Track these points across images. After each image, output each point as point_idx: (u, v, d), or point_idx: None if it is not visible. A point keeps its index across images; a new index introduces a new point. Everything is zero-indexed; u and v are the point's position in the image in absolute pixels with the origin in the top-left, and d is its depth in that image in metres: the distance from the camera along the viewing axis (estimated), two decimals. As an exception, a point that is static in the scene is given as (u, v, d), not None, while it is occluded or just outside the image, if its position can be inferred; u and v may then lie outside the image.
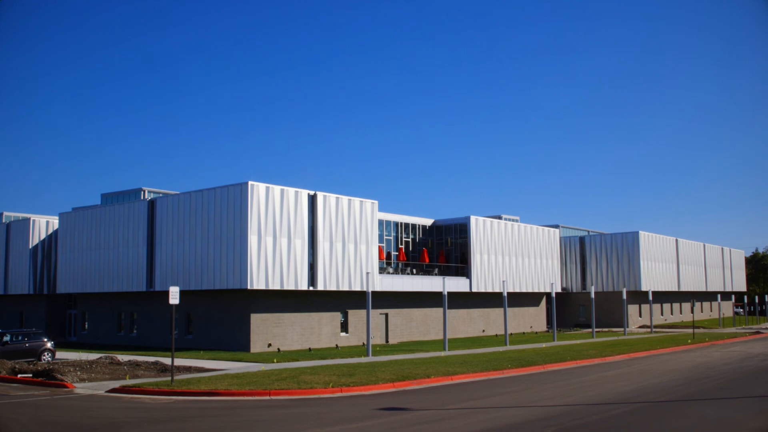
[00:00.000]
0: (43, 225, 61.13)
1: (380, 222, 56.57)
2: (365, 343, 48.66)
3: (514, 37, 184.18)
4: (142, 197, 55.22)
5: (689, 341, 52.17)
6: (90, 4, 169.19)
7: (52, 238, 60.99)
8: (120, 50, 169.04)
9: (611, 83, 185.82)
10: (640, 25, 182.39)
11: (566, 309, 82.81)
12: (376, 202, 50.79)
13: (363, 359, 37.13)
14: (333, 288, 47.17)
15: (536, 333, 68.19)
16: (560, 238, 78.87)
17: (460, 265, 60.82)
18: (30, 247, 60.19)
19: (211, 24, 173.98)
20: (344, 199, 48.48)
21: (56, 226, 60.37)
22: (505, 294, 51.91)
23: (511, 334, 62.96)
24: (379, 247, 53.55)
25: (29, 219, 60.96)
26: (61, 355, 40.25)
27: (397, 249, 58.78)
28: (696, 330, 67.15)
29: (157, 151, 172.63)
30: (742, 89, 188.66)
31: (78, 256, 55.05)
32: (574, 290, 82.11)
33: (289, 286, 44.29)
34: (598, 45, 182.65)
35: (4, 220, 66.60)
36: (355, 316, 51.34)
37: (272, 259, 43.32)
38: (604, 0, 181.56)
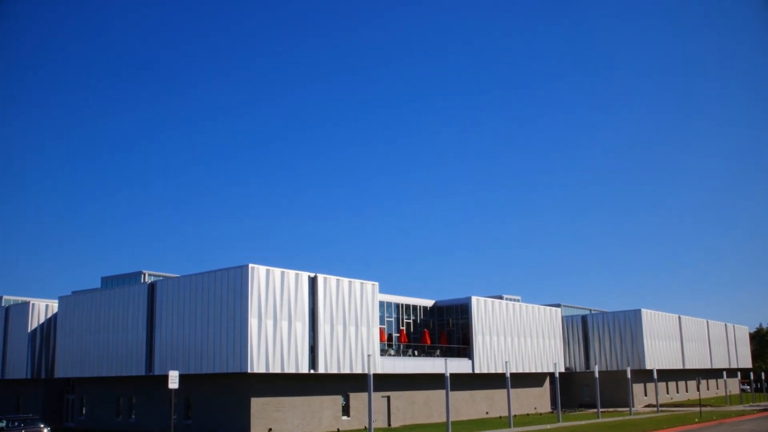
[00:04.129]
0: (42, 309, 60.95)
1: (381, 303, 56.40)
2: (367, 426, 47.89)
3: (507, 107, 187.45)
4: (142, 280, 55.28)
5: (696, 420, 51.40)
6: (69, 74, 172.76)
7: (51, 322, 60.73)
8: (113, 126, 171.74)
9: (611, 158, 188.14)
10: (642, 97, 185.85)
11: (570, 389, 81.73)
12: (376, 283, 50.86)
13: (365, 444, 36.51)
14: (334, 371, 46.76)
15: (540, 414, 67.14)
16: (562, 317, 78.48)
17: (462, 346, 60.38)
18: (29, 331, 59.88)
19: (206, 98, 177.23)
20: (345, 281, 48.55)
21: (56, 310, 60.18)
22: (508, 375, 51.41)
23: (515, 415, 61.97)
24: (380, 328, 53.32)
25: (28, 303, 60.84)
26: (57, 442, 39.61)
27: (399, 330, 58.47)
28: (703, 408, 66.13)
29: (157, 234, 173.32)
30: (745, 165, 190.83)
31: (77, 340, 54.72)
32: (578, 370, 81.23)
33: (290, 369, 43.91)
34: (593, 114, 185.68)
35: (3, 304, 66.40)
36: (357, 399, 50.70)
37: (272, 342, 43.09)
38: (601, 66, 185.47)
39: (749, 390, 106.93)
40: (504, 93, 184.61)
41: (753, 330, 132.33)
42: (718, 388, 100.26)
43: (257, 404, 43.96)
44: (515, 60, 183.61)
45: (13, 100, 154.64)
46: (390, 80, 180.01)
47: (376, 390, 49.60)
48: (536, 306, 69.25)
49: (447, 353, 59.08)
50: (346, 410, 50.11)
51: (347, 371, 47.61)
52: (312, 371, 45.43)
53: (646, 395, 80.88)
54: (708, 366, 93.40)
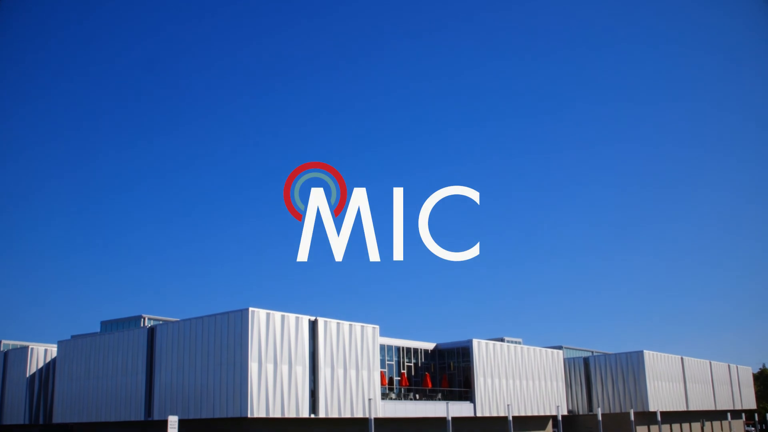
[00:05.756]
0: (41, 353, 60.58)
1: (382, 347, 56.08)
2: (368, 472, 47.33)
3: (506, 144, 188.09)
4: (141, 324, 55.10)
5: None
6: (69, 111, 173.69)
7: (50, 367, 60.31)
8: (111, 169, 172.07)
9: (613, 197, 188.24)
10: (644, 133, 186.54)
11: (573, 431, 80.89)
12: (377, 326, 50.69)
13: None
14: (335, 415, 46.36)
15: (544, 458, 66.37)
16: (564, 359, 77.97)
17: (464, 390, 59.92)
18: (27, 375, 59.44)
19: (205, 140, 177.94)
20: (345, 324, 48.40)
21: (55, 354, 59.81)
22: (510, 418, 51.02)
23: (518, 459, 61.25)
24: (381, 372, 52.97)
25: (27, 347, 60.51)
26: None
27: (399, 374, 58.11)
28: (708, 452, 65.45)
29: (156, 278, 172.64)
30: (748, 203, 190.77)
31: (76, 384, 54.31)
32: (580, 412, 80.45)
33: (290, 413, 43.56)
34: (594, 151, 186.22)
35: (2, 348, 66.05)
36: (358, 443, 50.17)
37: (273, 386, 42.81)
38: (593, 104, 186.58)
39: (754, 431, 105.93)
40: (501, 127, 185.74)
41: (756, 371, 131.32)
42: (722, 430, 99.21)
43: (257, 450, 43.51)
44: (519, 92, 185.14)
45: (10, 140, 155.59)
46: (389, 117, 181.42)
47: (377, 434, 49.18)
48: (538, 348, 68.86)
49: (448, 396, 58.59)
50: (346, 455, 49.57)
51: (348, 415, 47.18)
52: (312, 415, 45.05)
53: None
54: (712, 407, 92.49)
